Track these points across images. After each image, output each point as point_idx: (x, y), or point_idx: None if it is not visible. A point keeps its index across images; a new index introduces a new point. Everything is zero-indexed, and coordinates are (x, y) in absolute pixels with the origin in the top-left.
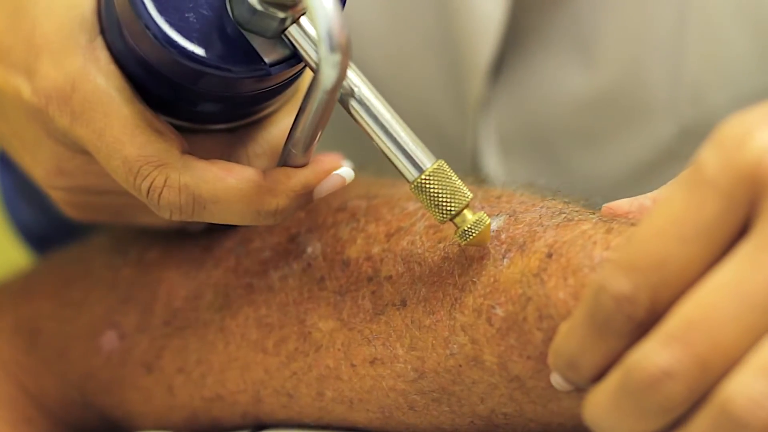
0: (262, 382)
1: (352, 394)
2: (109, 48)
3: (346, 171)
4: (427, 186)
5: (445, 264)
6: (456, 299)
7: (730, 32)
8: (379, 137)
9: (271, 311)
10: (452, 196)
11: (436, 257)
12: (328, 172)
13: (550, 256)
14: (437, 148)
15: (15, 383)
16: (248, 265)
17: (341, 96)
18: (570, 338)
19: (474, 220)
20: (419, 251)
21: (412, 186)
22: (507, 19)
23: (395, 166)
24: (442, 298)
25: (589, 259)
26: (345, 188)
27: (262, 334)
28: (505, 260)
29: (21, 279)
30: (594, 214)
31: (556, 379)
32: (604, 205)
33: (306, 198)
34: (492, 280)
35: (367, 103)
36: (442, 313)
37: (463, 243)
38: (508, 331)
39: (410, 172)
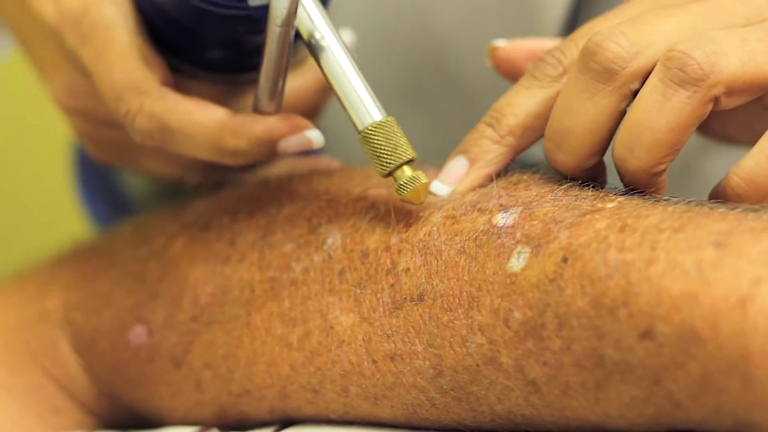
0: (288, 378)
1: (376, 390)
2: None
3: (315, 134)
4: (372, 137)
5: (462, 258)
6: (473, 298)
7: None
8: (337, 85)
9: (294, 305)
10: (393, 150)
11: (452, 251)
12: (296, 128)
13: (565, 260)
14: None
15: (43, 373)
16: (271, 259)
17: (311, 46)
18: None
19: (410, 176)
20: (436, 243)
21: (359, 135)
22: None
23: (348, 115)
24: (458, 295)
25: (604, 265)
26: (366, 176)
27: (286, 329)
28: (521, 260)
29: (46, 269)
30: (609, 200)
31: None
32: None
33: (269, 148)
34: (508, 281)
35: (331, 53)
36: (459, 311)
37: (399, 197)
38: (526, 335)
39: (359, 122)
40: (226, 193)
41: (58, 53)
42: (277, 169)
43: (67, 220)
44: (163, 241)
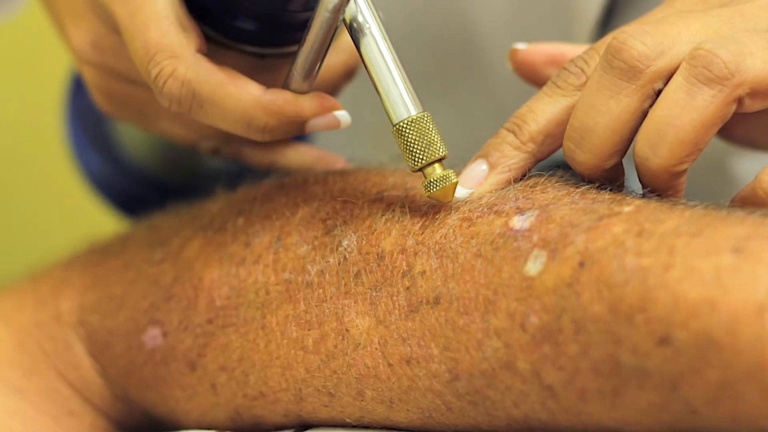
0: (303, 381)
1: (392, 394)
2: None
3: (344, 115)
4: (406, 131)
5: (478, 262)
6: (489, 301)
7: None
8: (376, 75)
9: (309, 308)
10: (426, 148)
11: (468, 254)
12: (326, 108)
13: (582, 265)
14: None
15: (57, 376)
16: (286, 261)
17: (353, 29)
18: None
19: (441, 175)
20: (452, 246)
21: (394, 128)
22: None
23: (384, 106)
24: (474, 298)
25: (621, 270)
26: (382, 177)
27: (301, 332)
28: (537, 264)
29: (60, 270)
30: (627, 203)
31: None
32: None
33: (298, 125)
34: (525, 285)
35: (373, 41)
36: (475, 314)
37: (426, 194)
38: (543, 340)
39: (395, 115)
40: (240, 194)
41: (84, 4)
42: (289, 155)
43: (81, 219)
44: (177, 243)
